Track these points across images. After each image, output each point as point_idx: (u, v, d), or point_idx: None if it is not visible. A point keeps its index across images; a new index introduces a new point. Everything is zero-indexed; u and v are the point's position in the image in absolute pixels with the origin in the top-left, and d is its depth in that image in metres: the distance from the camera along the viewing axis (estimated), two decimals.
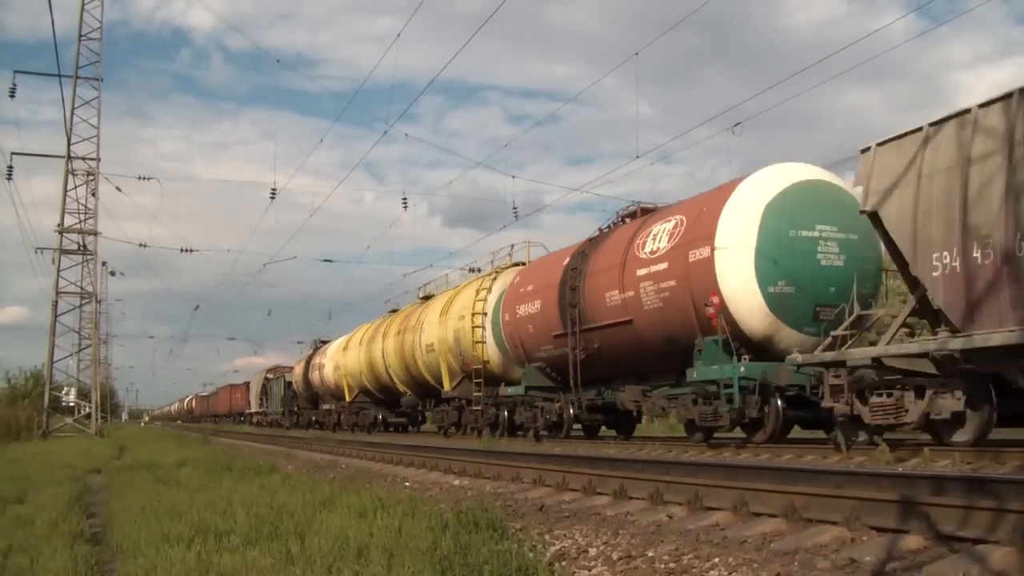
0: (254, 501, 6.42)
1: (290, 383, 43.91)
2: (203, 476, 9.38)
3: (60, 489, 8.40)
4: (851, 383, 10.47)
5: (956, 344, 9.11)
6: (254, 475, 9.30)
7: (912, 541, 4.19)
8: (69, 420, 33.18)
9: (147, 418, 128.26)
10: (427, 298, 27.78)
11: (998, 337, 8.62)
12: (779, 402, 12.41)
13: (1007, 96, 8.90)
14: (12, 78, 36.30)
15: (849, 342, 11.04)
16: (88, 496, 8.91)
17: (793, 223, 12.89)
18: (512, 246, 23.29)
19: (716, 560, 4.24)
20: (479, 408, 21.27)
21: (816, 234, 12.95)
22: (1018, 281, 8.59)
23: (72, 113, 31.11)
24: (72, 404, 34.76)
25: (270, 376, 50.69)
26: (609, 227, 17.39)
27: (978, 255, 8.93)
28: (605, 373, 16.37)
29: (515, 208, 23.22)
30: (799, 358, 11.53)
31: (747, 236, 12.81)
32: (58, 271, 31.92)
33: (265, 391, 50.89)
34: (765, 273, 12.68)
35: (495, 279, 22.05)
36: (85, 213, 32.41)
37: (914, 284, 10.24)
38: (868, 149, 10.67)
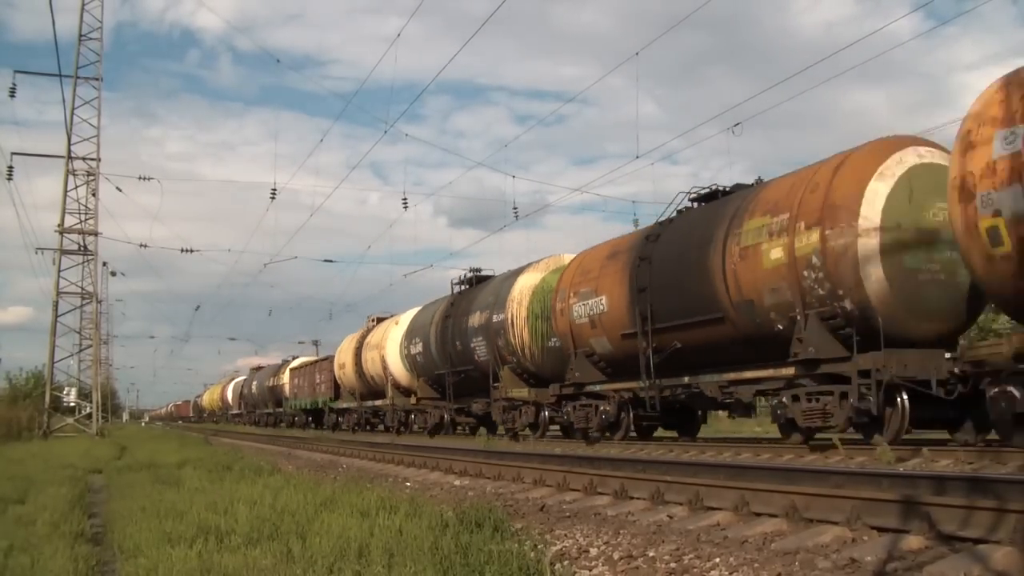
0: (255, 501, 6.42)
1: (199, 403, 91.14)
2: (204, 476, 9.37)
3: (61, 489, 8.39)
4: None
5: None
6: (255, 475, 9.30)
7: (913, 541, 4.20)
8: (70, 420, 33.14)
9: (147, 418, 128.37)
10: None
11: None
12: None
13: None
14: (12, 77, 36.26)
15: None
16: (89, 496, 8.91)
17: None
18: None
19: (717, 560, 4.24)
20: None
21: None
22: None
23: (72, 113, 31.10)
24: (73, 404, 34.72)
25: (197, 398, 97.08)
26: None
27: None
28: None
29: (515, 208, 23.29)
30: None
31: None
32: (59, 271, 31.89)
33: (193, 405, 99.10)
34: None
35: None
36: (85, 213, 32.39)
37: None
38: None
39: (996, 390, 9.04)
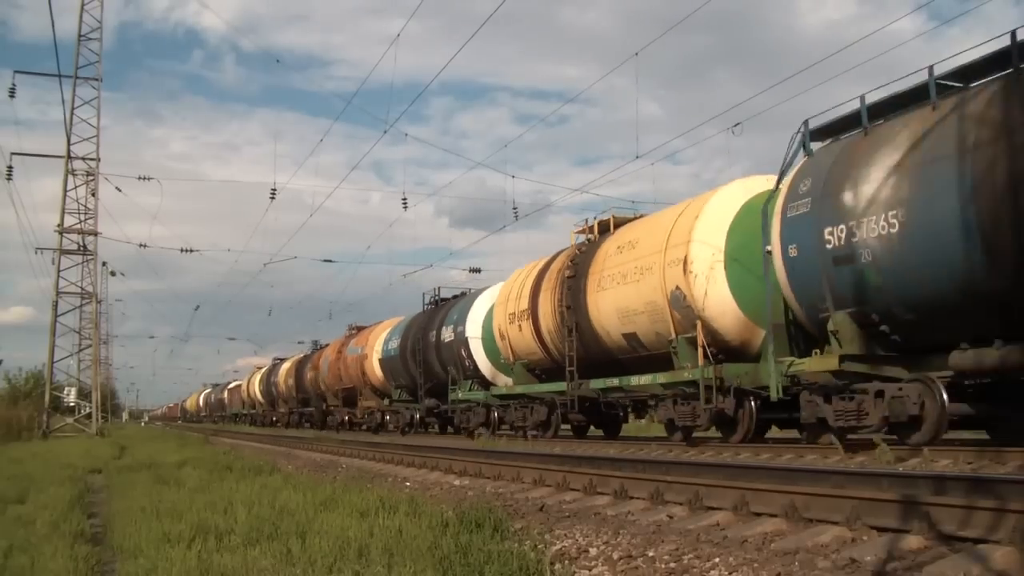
0: (255, 501, 6.42)
1: (184, 407, 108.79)
2: (204, 476, 9.38)
3: (61, 489, 8.40)
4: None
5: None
6: (255, 475, 9.30)
7: (913, 541, 4.19)
8: (70, 420, 33.15)
9: (147, 418, 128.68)
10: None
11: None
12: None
13: None
14: (12, 78, 36.21)
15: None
16: (89, 496, 8.91)
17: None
18: None
19: (716, 560, 4.23)
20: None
21: None
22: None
23: (72, 113, 31.11)
24: (73, 404, 34.71)
25: (182, 402, 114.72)
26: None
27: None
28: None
29: (515, 208, 23.32)
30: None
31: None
32: (58, 271, 31.91)
33: (180, 408, 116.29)
34: None
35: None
36: (85, 213, 32.39)
37: None
38: None
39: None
